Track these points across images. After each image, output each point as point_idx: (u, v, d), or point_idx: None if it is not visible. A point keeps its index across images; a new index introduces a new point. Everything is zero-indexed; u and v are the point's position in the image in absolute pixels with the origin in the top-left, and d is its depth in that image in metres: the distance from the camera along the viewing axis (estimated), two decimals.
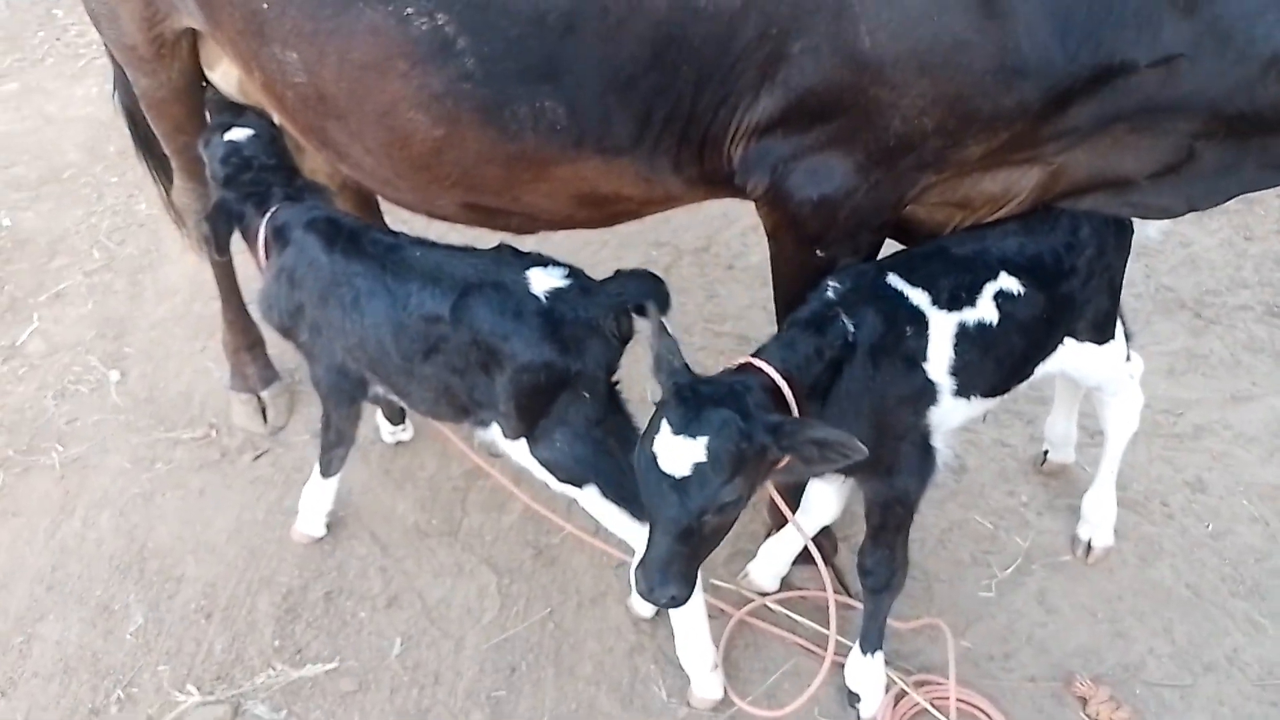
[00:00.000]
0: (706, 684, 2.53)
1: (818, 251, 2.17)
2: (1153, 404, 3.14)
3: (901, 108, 1.89)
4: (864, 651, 2.45)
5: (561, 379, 2.22)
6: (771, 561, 2.74)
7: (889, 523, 2.28)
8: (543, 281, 2.27)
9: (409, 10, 2.05)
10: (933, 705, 2.49)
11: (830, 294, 2.11)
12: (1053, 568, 2.85)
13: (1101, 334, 2.42)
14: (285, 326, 2.64)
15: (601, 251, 4.02)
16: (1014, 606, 2.76)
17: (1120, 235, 2.32)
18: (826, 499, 2.57)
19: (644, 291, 2.30)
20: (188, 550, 3.00)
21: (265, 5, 2.18)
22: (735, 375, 1.99)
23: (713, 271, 3.98)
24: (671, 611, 2.45)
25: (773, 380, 1.96)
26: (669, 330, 2.01)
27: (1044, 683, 2.57)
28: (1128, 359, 2.57)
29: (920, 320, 2.11)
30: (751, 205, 4.20)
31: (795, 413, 1.96)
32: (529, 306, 2.23)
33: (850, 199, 2.05)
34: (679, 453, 1.84)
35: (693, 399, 1.87)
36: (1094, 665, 2.60)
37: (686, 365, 1.96)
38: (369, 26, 2.10)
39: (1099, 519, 2.83)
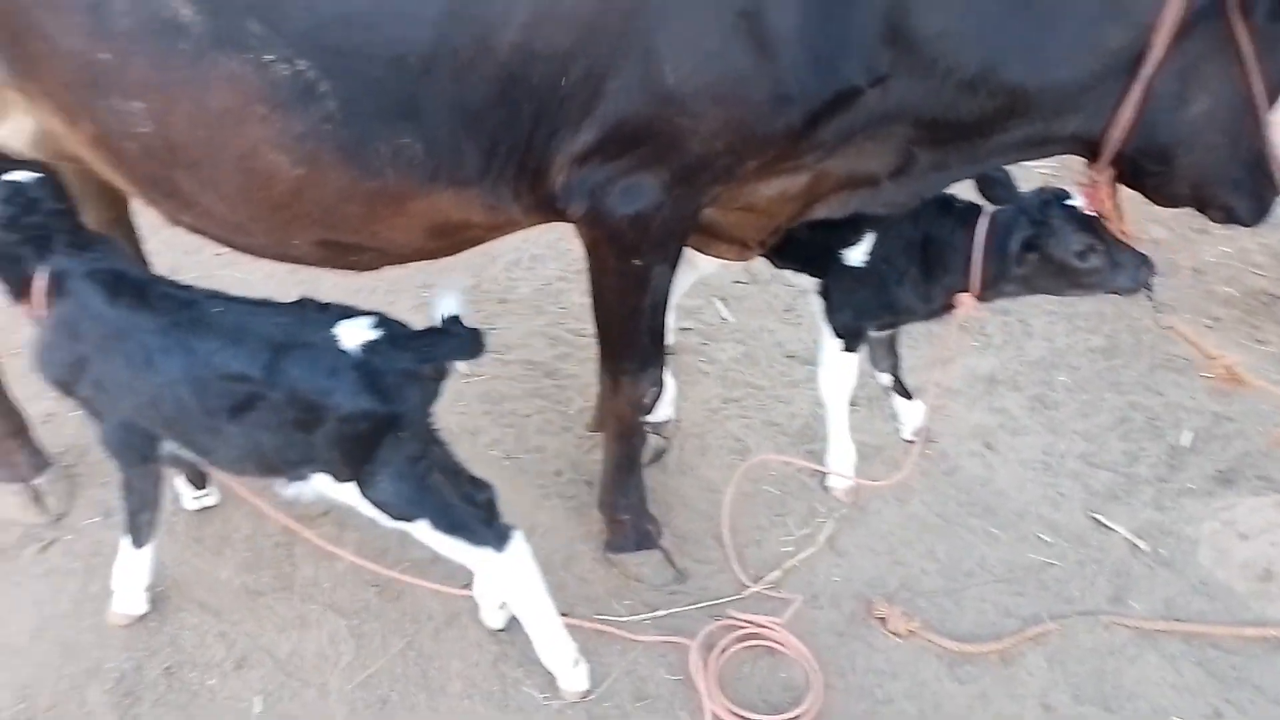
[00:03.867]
0: (572, 679, 2.72)
1: (634, 261, 2.47)
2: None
3: (699, 133, 2.24)
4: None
5: (384, 425, 2.30)
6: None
7: None
8: (352, 335, 2.32)
9: (268, 57, 2.11)
10: (752, 641, 2.86)
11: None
12: (836, 519, 3.34)
13: None
14: (64, 381, 2.51)
15: (371, 297, 4.08)
16: (811, 554, 3.22)
17: None
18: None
19: (456, 349, 2.40)
20: None
21: (105, 55, 2.13)
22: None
23: (487, 306, 4.18)
24: (523, 620, 2.64)
25: None
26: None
27: (848, 611, 3.03)
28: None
29: None
30: (514, 240, 4.42)
31: None
32: (343, 362, 2.28)
33: (660, 212, 2.37)
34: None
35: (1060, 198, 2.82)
36: (883, 589, 3.10)
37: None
38: (225, 74, 2.13)
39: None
